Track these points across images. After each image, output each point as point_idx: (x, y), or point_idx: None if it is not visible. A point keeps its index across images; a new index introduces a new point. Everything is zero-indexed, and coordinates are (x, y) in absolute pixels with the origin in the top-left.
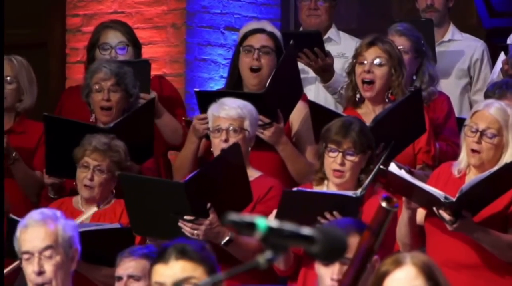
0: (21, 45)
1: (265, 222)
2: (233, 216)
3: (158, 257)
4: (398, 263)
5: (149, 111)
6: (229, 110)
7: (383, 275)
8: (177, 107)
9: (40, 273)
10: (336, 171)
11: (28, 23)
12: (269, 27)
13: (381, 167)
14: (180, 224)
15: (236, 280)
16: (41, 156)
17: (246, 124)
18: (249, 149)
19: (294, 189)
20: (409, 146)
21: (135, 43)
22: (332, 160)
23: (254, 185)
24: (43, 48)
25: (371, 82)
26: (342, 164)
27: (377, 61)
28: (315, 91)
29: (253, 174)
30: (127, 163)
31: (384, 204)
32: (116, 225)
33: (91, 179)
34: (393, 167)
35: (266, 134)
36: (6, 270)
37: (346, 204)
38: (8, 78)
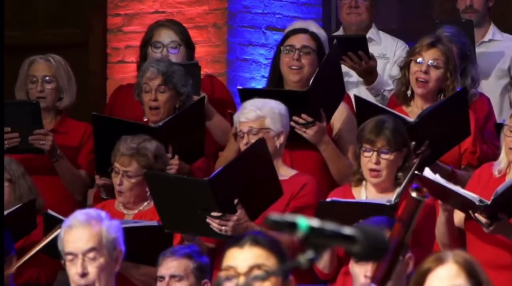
0: (63, 45)
1: (306, 221)
2: (275, 216)
3: (232, 242)
4: (440, 261)
5: (199, 110)
6: (247, 114)
7: (425, 273)
8: (227, 108)
9: (84, 274)
10: (372, 171)
11: (69, 23)
12: (313, 27)
13: (416, 172)
14: (208, 220)
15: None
16: (85, 155)
17: (268, 122)
18: (278, 145)
19: (328, 199)
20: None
21: (187, 44)
22: (368, 160)
23: (289, 182)
24: (84, 48)
25: (425, 82)
26: (377, 163)
27: (434, 63)
28: (357, 93)
29: (288, 172)
30: (157, 165)
31: (414, 194)
32: (153, 223)
33: (120, 184)
34: (427, 172)
35: (308, 133)
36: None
37: (380, 212)
38: (47, 77)
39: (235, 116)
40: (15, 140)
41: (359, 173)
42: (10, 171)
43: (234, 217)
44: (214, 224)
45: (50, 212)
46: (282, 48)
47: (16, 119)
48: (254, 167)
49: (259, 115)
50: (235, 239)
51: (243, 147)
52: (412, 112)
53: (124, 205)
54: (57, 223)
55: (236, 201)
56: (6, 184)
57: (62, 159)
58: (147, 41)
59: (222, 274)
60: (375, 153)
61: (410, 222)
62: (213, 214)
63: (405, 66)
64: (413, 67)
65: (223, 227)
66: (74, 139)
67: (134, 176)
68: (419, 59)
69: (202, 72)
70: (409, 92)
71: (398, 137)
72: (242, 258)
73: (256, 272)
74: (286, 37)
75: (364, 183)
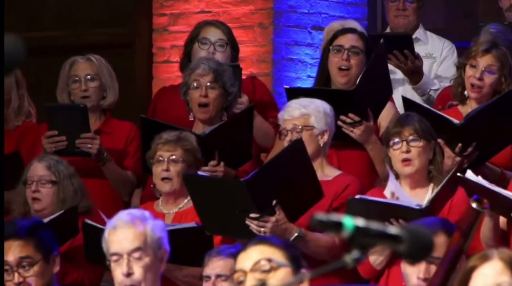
0: (108, 45)
1: (352, 221)
2: (320, 216)
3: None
4: (485, 258)
5: (247, 119)
6: (291, 111)
7: (470, 270)
8: (269, 109)
9: (129, 275)
10: (404, 161)
11: (115, 23)
12: (357, 26)
13: (458, 174)
14: (247, 221)
15: (320, 279)
16: (131, 155)
17: (312, 121)
18: (322, 144)
19: (357, 196)
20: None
21: (233, 45)
22: (398, 151)
23: (332, 183)
24: (130, 48)
25: (479, 88)
26: (408, 151)
27: (489, 69)
28: (402, 92)
29: (332, 172)
30: (199, 154)
31: (474, 205)
32: (191, 224)
33: (167, 169)
34: (469, 174)
35: (355, 132)
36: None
37: (409, 215)
38: (90, 76)
39: (280, 114)
40: (62, 143)
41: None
42: (55, 172)
43: (273, 218)
44: (253, 226)
45: (88, 221)
46: (330, 48)
47: (64, 122)
48: (292, 168)
49: (304, 113)
50: (242, 246)
51: (285, 144)
52: (467, 112)
53: (166, 203)
54: (96, 231)
55: (274, 202)
56: (49, 185)
57: (109, 162)
58: (193, 38)
59: (234, 278)
60: (404, 142)
61: (469, 232)
62: (252, 215)
63: (461, 67)
64: (468, 71)
65: (262, 229)
66: (119, 139)
67: (180, 161)
68: (474, 64)
69: (247, 72)
70: (465, 92)
71: (424, 126)
72: (246, 257)
73: (262, 265)
74: (335, 37)
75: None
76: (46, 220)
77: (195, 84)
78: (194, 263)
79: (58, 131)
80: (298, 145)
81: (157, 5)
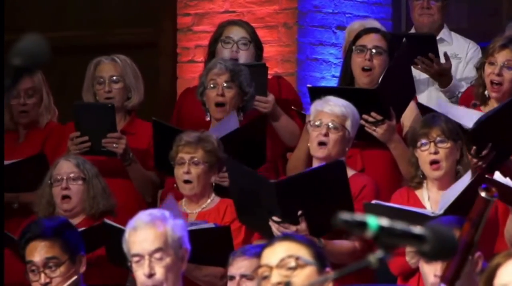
0: (132, 45)
1: (376, 221)
2: (345, 216)
3: (265, 245)
4: (510, 256)
5: (260, 126)
6: (333, 107)
7: (495, 267)
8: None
9: (151, 275)
10: (433, 164)
11: (139, 22)
12: (377, 25)
13: (486, 176)
14: (270, 222)
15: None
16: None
17: (348, 124)
18: (346, 149)
19: (373, 201)
20: None
21: (257, 44)
22: (426, 153)
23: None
24: (154, 48)
25: (499, 84)
26: (436, 152)
27: (507, 64)
28: (427, 93)
29: (347, 172)
30: (221, 152)
31: (483, 194)
32: (210, 225)
33: (188, 172)
34: (497, 175)
35: (378, 131)
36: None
37: (423, 222)
38: (114, 77)
39: (315, 105)
40: (85, 145)
41: (417, 176)
42: (84, 170)
43: (293, 228)
44: (274, 228)
45: (107, 221)
46: (354, 48)
47: (91, 121)
48: (328, 186)
49: (344, 113)
50: (267, 242)
51: (315, 137)
52: None
53: (189, 203)
54: (116, 232)
55: (300, 212)
56: (79, 182)
57: (134, 163)
58: (217, 38)
59: (258, 273)
60: (432, 143)
61: (480, 221)
62: (274, 218)
63: (480, 67)
64: (487, 69)
65: (281, 234)
66: (143, 140)
67: (201, 163)
68: (493, 61)
69: (271, 72)
70: (486, 92)
71: (451, 126)
72: (272, 253)
73: (288, 262)
74: (358, 36)
75: (424, 184)
76: (80, 230)
77: (211, 84)
78: (213, 262)
79: (84, 129)
80: (339, 165)
81: (181, 5)
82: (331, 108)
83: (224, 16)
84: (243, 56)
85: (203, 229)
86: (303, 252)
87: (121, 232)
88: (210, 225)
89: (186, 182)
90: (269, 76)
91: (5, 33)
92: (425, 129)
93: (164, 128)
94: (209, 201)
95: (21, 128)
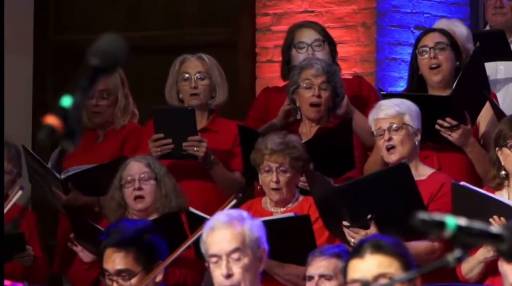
0: (212, 45)
1: (455, 220)
2: (423, 215)
3: (353, 252)
4: None
5: (346, 130)
6: (387, 110)
7: None
8: None
9: (229, 276)
10: None
11: (218, 23)
12: (456, 25)
13: None
14: (343, 227)
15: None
16: (238, 156)
17: (407, 119)
18: (416, 142)
19: (461, 183)
20: None
21: (330, 41)
22: None
23: (427, 182)
24: (233, 48)
25: None
26: None
27: None
28: (504, 93)
29: (426, 171)
30: (305, 155)
31: None
32: (290, 215)
33: (277, 181)
34: None
35: (453, 136)
36: (190, 240)
37: (506, 213)
38: (200, 75)
39: (371, 115)
40: (168, 147)
41: (499, 176)
42: (155, 169)
43: (363, 232)
44: (346, 233)
45: (192, 209)
46: (417, 51)
47: (171, 125)
48: (394, 189)
49: (399, 111)
50: (356, 249)
51: (382, 145)
52: None
53: (275, 202)
54: (200, 220)
55: (369, 216)
56: (152, 182)
57: (216, 165)
58: (290, 44)
59: None
60: None
61: None
62: (344, 222)
63: None
64: None
65: (352, 239)
66: (226, 138)
67: (289, 170)
68: None
69: (351, 71)
70: None
71: None
72: (365, 269)
73: (381, 281)
74: (418, 40)
75: (506, 184)
76: (150, 218)
77: (306, 84)
78: (296, 256)
79: (164, 133)
80: (402, 168)
81: (260, 5)
82: (385, 112)
83: (303, 16)
84: (319, 57)
85: (282, 219)
86: (394, 266)
87: (205, 221)
88: (289, 214)
89: (275, 189)
90: (349, 76)
91: (83, 33)
92: None
93: (249, 133)
94: (293, 199)
95: (99, 129)
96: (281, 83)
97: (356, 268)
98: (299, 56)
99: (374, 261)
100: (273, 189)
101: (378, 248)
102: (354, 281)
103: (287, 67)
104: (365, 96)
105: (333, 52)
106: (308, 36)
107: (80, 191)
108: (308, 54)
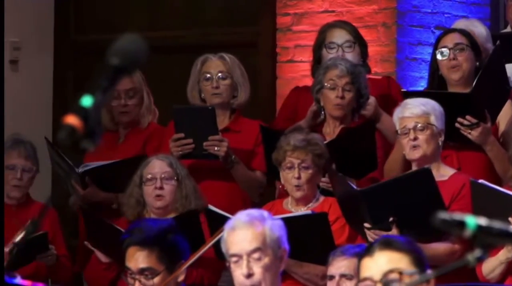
0: (233, 45)
1: (475, 220)
2: (443, 215)
3: (364, 252)
4: None
5: (368, 132)
6: (412, 109)
7: None
8: None
9: (249, 275)
10: None
11: (239, 22)
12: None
13: None
14: (365, 229)
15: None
16: (260, 155)
17: (432, 119)
18: (440, 143)
19: (480, 180)
20: None
21: (361, 42)
22: None
23: (448, 183)
24: (254, 48)
25: None
26: None
27: None
28: None
29: (447, 172)
30: (327, 153)
31: None
32: (307, 212)
33: (299, 178)
34: None
35: (473, 134)
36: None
37: None
38: (222, 74)
39: (396, 113)
40: (189, 146)
41: None
42: (176, 169)
43: (384, 234)
44: (367, 235)
45: (212, 207)
46: (436, 52)
47: (191, 124)
48: (416, 193)
49: (425, 111)
50: (366, 248)
51: (407, 144)
52: None
53: (296, 202)
54: (220, 219)
55: (391, 219)
56: (173, 182)
57: (237, 165)
58: (321, 44)
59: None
60: None
61: None
62: (365, 224)
63: None
64: None
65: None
66: (248, 138)
67: (311, 167)
68: None
69: (372, 71)
70: None
71: None
72: (375, 266)
73: (392, 276)
74: (438, 40)
75: None
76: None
77: (330, 84)
78: (314, 255)
79: (185, 133)
80: (425, 173)
81: (280, 5)
82: (411, 111)
83: (323, 16)
84: (349, 58)
85: (299, 216)
86: (404, 261)
87: (225, 220)
88: (307, 212)
89: (297, 186)
90: (380, 77)
91: (104, 32)
92: None
93: (271, 133)
94: (314, 199)
95: (121, 129)
96: (309, 82)
97: (366, 266)
98: (329, 57)
99: (383, 257)
100: (296, 186)
101: (387, 245)
102: (365, 279)
103: (317, 67)
104: (394, 96)
105: (364, 54)
106: (339, 36)
107: (98, 187)
108: (338, 55)
